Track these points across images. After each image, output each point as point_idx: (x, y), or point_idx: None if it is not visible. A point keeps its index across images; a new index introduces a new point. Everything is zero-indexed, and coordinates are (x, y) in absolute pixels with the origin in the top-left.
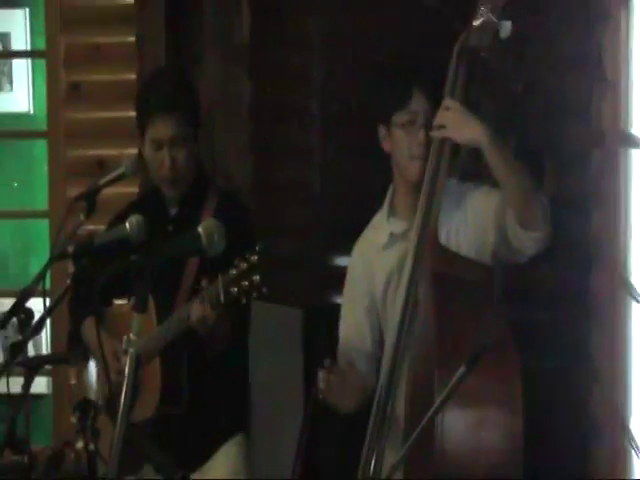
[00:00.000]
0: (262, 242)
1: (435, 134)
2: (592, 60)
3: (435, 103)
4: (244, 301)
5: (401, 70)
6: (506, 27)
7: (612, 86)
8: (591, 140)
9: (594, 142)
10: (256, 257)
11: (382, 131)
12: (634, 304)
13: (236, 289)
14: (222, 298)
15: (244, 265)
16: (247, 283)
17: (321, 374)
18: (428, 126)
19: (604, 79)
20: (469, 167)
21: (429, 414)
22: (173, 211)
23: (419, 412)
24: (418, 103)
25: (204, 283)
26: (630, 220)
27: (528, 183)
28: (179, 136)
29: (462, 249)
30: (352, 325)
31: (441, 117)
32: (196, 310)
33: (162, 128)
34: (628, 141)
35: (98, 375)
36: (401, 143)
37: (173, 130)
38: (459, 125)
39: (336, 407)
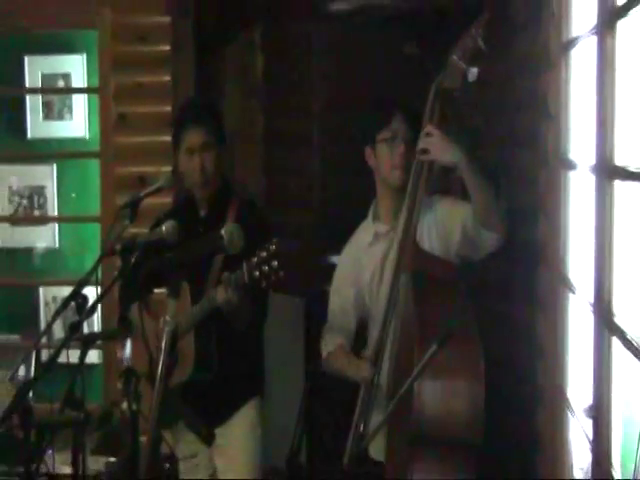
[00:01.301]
0: (279, 235)
1: (422, 158)
2: (539, 99)
3: (411, 124)
4: (264, 284)
5: (384, 98)
6: (473, 73)
7: (555, 120)
8: (538, 163)
9: (541, 165)
10: (274, 247)
11: (368, 151)
12: (571, 295)
13: (258, 273)
14: (247, 280)
15: (264, 254)
16: (267, 268)
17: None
18: (405, 141)
19: (548, 115)
20: (438, 183)
21: (407, 383)
22: (203, 214)
23: (399, 382)
24: (398, 123)
25: (226, 274)
26: (569, 227)
27: (491, 193)
28: (207, 143)
29: (433, 248)
30: (338, 309)
31: (425, 142)
32: (222, 293)
33: (194, 136)
34: (567, 164)
35: (140, 349)
36: (384, 156)
37: (203, 138)
38: (441, 149)
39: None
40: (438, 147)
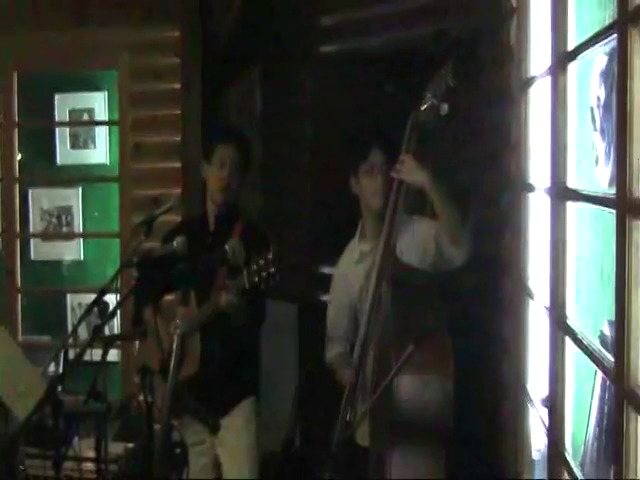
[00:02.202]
0: (275, 246)
1: (394, 175)
2: (502, 130)
3: (388, 156)
4: (262, 287)
5: (363, 135)
6: (444, 108)
7: (516, 149)
8: (502, 186)
9: (504, 187)
10: (271, 255)
11: (352, 181)
12: (530, 301)
13: (257, 278)
14: (247, 284)
15: (262, 261)
16: (265, 274)
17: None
18: (383, 172)
19: (510, 144)
20: (415, 205)
21: (388, 378)
22: (212, 228)
23: (381, 377)
24: (375, 156)
25: (228, 281)
26: (528, 241)
27: (456, 213)
28: (238, 159)
29: (410, 261)
30: (334, 318)
31: (399, 166)
32: (224, 296)
33: (228, 152)
34: (527, 187)
35: (154, 348)
36: (366, 185)
37: (235, 154)
38: (411, 172)
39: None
40: (408, 170)
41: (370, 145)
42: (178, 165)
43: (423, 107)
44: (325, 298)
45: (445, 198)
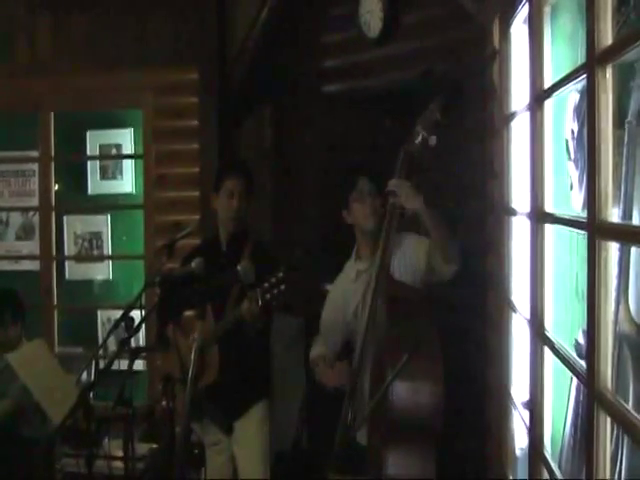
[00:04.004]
0: (285, 266)
1: (391, 199)
2: (486, 160)
3: (375, 182)
4: (274, 303)
5: (350, 166)
6: (433, 139)
7: (499, 177)
8: (486, 210)
9: (488, 212)
10: (281, 274)
11: (344, 213)
12: (513, 314)
13: (269, 295)
14: (260, 300)
15: (274, 280)
16: (276, 291)
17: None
18: (371, 194)
19: (493, 172)
20: (407, 224)
21: (385, 384)
22: (225, 249)
23: (377, 383)
24: (363, 184)
25: (248, 292)
26: (512, 259)
27: (447, 233)
28: (244, 189)
29: (402, 277)
30: (327, 329)
31: (393, 186)
32: (246, 304)
33: (236, 183)
34: (509, 211)
35: (175, 359)
36: (357, 210)
37: (241, 184)
38: (407, 195)
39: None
40: (406, 195)
41: (357, 175)
42: (196, 194)
43: (414, 139)
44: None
45: (436, 219)
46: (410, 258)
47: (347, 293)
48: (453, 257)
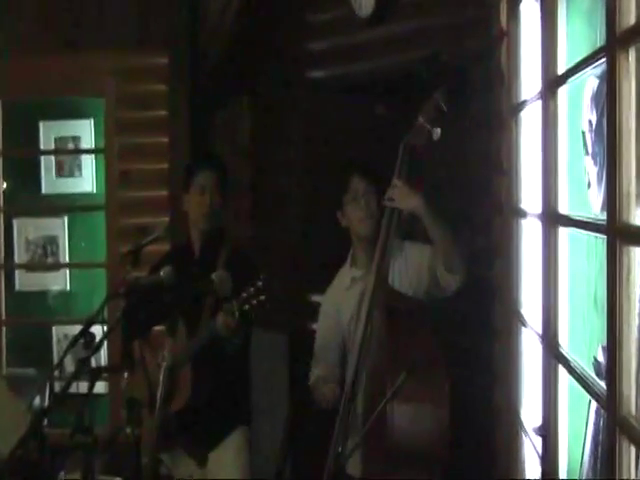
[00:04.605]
0: (265, 273)
1: (387, 204)
2: (493, 155)
3: (369, 179)
4: (252, 315)
5: (342, 163)
6: (437, 132)
7: (507, 174)
8: (492, 211)
9: (495, 213)
10: (261, 283)
11: (339, 215)
12: (522, 327)
13: (247, 307)
14: (237, 313)
15: (252, 289)
16: (255, 302)
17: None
18: (366, 195)
19: (500, 168)
20: (407, 230)
21: (378, 408)
22: (197, 256)
23: (373, 406)
24: (357, 183)
25: (224, 304)
26: (521, 267)
27: (451, 238)
28: (216, 185)
29: (403, 288)
30: (322, 344)
31: (391, 192)
32: (221, 318)
33: (207, 176)
34: (519, 213)
35: (141, 380)
36: (352, 213)
37: (214, 179)
38: (404, 198)
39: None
40: (401, 196)
41: (350, 174)
42: (165, 193)
43: (417, 132)
44: (316, 327)
45: (439, 223)
46: (411, 267)
47: (340, 301)
48: (458, 266)
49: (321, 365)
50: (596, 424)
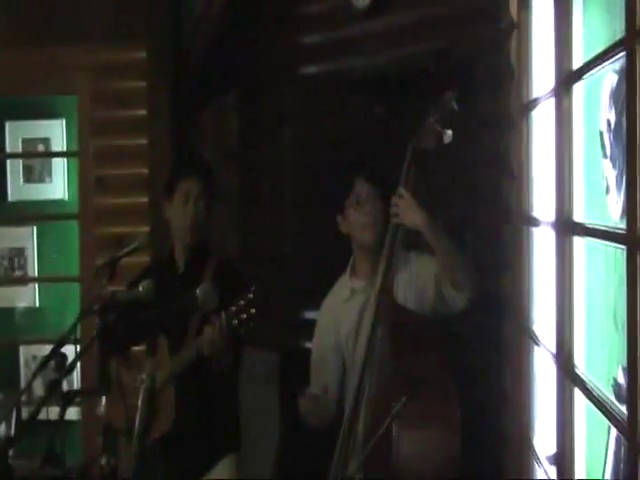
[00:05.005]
0: (255, 286)
1: (394, 220)
2: (501, 158)
3: (375, 182)
4: (242, 330)
5: (345, 165)
6: (448, 135)
7: (517, 178)
8: (500, 218)
9: (503, 220)
10: (251, 295)
11: (339, 219)
12: (534, 346)
13: (236, 321)
14: (225, 328)
15: (242, 302)
16: (246, 315)
17: (301, 400)
18: (371, 201)
19: (510, 172)
20: (413, 240)
21: (378, 432)
22: (181, 271)
23: (376, 431)
24: (361, 186)
25: (212, 318)
26: (533, 281)
27: (456, 254)
28: (202, 193)
29: (408, 303)
30: (319, 361)
31: (395, 207)
32: (208, 333)
33: (193, 183)
34: (530, 220)
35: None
36: (354, 219)
37: (200, 186)
38: (408, 213)
39: (311, 423)
40: (405, 211)
41: (353, 176)
42: (145, 200)
43: (425, 134)
44: (309, 345)
45: (443, 239)
46: (417, 280)
47: (338, 314)
48: (465, 284)
49: (317, 384)
50: (616, 453)
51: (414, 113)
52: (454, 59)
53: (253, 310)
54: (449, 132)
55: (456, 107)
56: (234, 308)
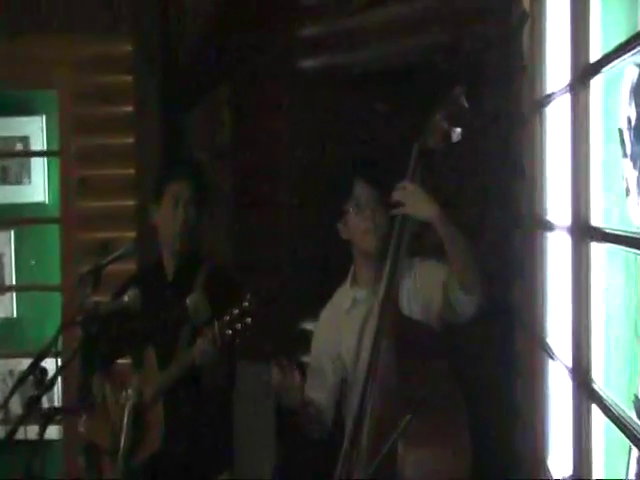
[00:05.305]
0: (252, 293)
1: (395, 212)
2: (512, 157)
3: (374, 184)
4: (237, 340)
5: (342, 167)
6: (457, 133)
7: (529, 179)
8: (511, 222)
9: (514, 224)
10: (247, 304)
11: (339, 226)
12: (549, 360)
13: (230, 331)
14: (218, 339)
15: (236, 311)
16: (240, 325)
17: (274, 370)
18: (371, 204)
19: (521, 172)
20: (417, 245)
21: (381, 453)
22: (170, 279)
23: (381, 446)
24: (360, 189)
25: (204, 328)
26: (547, 290)
27: (470, 251)
28: (194, 195)
29: (413, 313)
30: (316, 376)
31: (399, 195)
32: (200, 344)
33: (183, 186)
34: (544, 224)
35: (102, 423)
36: (354, 224)
37: (191, 189)
38: (416, 203)
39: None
40: (413, 200)
41: (352, 178)
42: (131, 203)
43: (432, 133)
44: (307, 359)
45: (458, 236)
46: (423, 288)
47: (339, 325)
48: (475, 286)
49: (312, 400)
50: (638, 475)
51: (419, 110)
52: (463, 54)
53: (249, 319)
54: (458, 130)
55: (466, 104)
56: (228, 317)
